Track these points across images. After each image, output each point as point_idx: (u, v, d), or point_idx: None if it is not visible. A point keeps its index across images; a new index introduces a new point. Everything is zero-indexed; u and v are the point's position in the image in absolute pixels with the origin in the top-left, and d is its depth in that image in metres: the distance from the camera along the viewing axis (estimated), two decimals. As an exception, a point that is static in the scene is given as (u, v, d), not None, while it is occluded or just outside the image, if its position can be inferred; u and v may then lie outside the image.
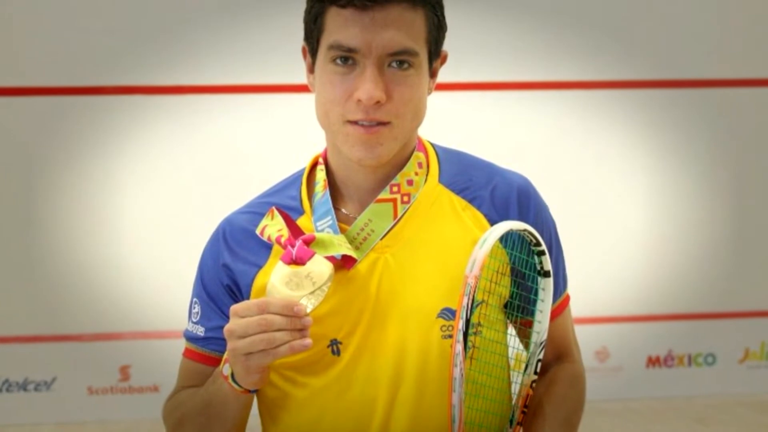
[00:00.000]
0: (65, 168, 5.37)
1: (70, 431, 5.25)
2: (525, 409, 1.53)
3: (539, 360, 1.53)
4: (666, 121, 5.74)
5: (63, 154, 5.35)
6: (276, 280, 1.41)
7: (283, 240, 1.46)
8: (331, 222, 1.52)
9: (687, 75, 5.73)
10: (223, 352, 1.50)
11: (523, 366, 1.55)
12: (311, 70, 1.54)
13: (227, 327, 1.39)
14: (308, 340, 1.36)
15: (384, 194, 1.54)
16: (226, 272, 1.56)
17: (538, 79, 5.62)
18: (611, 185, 5.75)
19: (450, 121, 5.13)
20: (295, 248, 1.44)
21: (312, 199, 1.57)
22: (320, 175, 1.57)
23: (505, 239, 1.50)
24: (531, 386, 1.53)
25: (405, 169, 1.55)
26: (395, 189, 1.54)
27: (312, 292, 1.40)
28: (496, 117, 5.61)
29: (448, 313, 1.50)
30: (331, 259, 1.45)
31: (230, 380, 1.45)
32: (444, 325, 1.50)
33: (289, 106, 5.38)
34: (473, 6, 5.40)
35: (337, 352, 1.51)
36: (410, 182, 1.55)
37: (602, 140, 5.71)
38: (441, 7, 1.51)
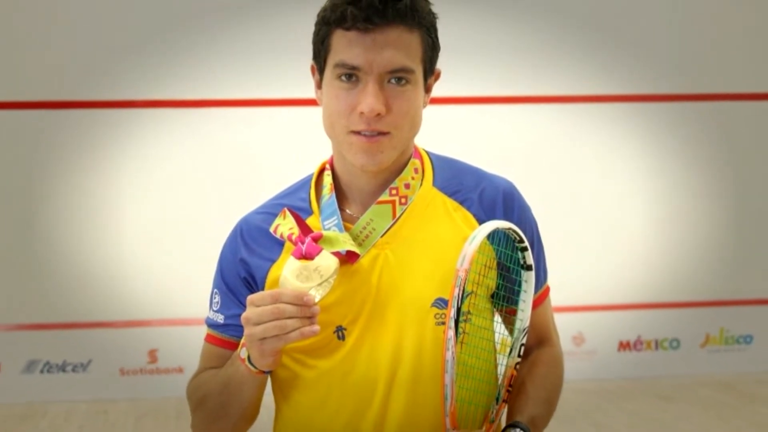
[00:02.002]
0: (99, 174, 5.37)
1: (103, 408, 5.25)
2: (510, 389, 1.53)
3: (522, 344, 1.53)
4: (642, 131, 5.75)
5: (106, 162, 5.38)
6: (288, 273, 1.42)
7: (294, 237, 1.46)
8: (336, 221, 1.52)
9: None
10: (240, 338, 1.50)
11: (508, 350, 1.55)
12: (319, 86, 1.54)
13: (244, 315, 1.39)
14: (316, 327, 1.36)
15: (384, 197, 1.54)
16: (243, 266, 1.56)
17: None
18: (591, 190, 5.74)
19: (445, 131, 5.13)
20: (305, 245, 1.44)
21: (320, 200, 1.57)
22: (327, 179, 1.57)
23: (492, 236, 1.50)
24: (515, 368, 1.53)
25: (403, 174, 1.55)
26: (394, 192, 1.54)
27: (320, 284, 1.40)
28: (493, 127, 5.61)
29: (441, 303, 1.50)
30: (336, 254, 1.45)
31: (247, 362, 1.46)
32: (437, 314, 1.50)
33: (298, 118, 5.37)
34: (472, 16, 5.39)
35: (342, 338, 1.51)
36: (407, 186, 1.55)
37: (585, 147, 5.71)
38: (435, 30, 1.51)
